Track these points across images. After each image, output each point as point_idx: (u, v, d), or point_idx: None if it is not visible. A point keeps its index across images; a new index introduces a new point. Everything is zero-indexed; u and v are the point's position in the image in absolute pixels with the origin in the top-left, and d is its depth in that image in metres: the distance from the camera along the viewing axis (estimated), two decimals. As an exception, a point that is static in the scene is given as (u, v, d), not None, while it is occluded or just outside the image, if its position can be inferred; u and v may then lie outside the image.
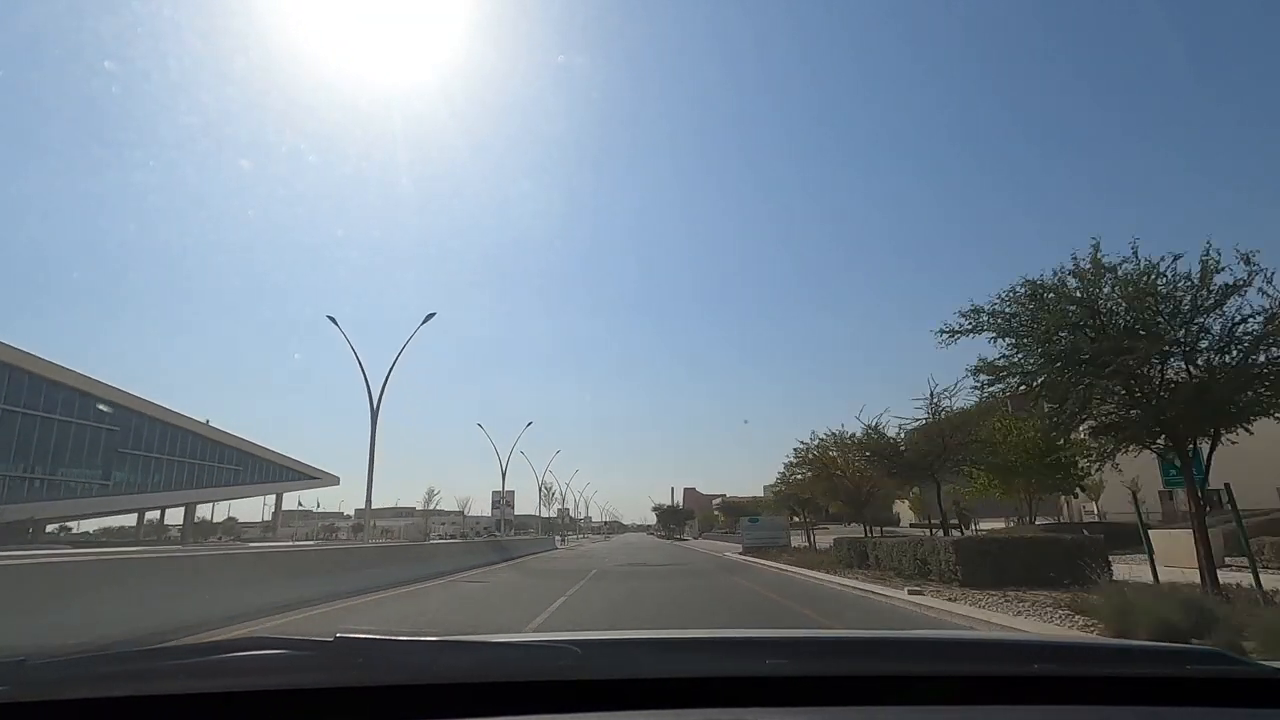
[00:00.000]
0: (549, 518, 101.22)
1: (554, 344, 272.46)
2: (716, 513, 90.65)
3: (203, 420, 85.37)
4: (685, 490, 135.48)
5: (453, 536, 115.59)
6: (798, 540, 31.20)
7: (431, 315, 28.79)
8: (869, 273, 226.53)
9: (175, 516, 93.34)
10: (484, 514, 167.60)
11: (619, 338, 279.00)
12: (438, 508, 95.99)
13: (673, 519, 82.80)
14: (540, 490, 58.56)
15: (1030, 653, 1.40)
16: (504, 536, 49.24)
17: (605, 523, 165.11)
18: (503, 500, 52.51)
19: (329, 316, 28.32)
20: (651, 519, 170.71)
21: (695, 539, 75.64)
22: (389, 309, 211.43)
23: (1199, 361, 7.61)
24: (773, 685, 1.15)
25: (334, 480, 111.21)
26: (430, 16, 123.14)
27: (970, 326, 8.77)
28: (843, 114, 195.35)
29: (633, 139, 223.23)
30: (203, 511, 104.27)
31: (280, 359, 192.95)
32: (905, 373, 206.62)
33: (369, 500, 27.13)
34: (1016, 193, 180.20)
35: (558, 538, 70.98)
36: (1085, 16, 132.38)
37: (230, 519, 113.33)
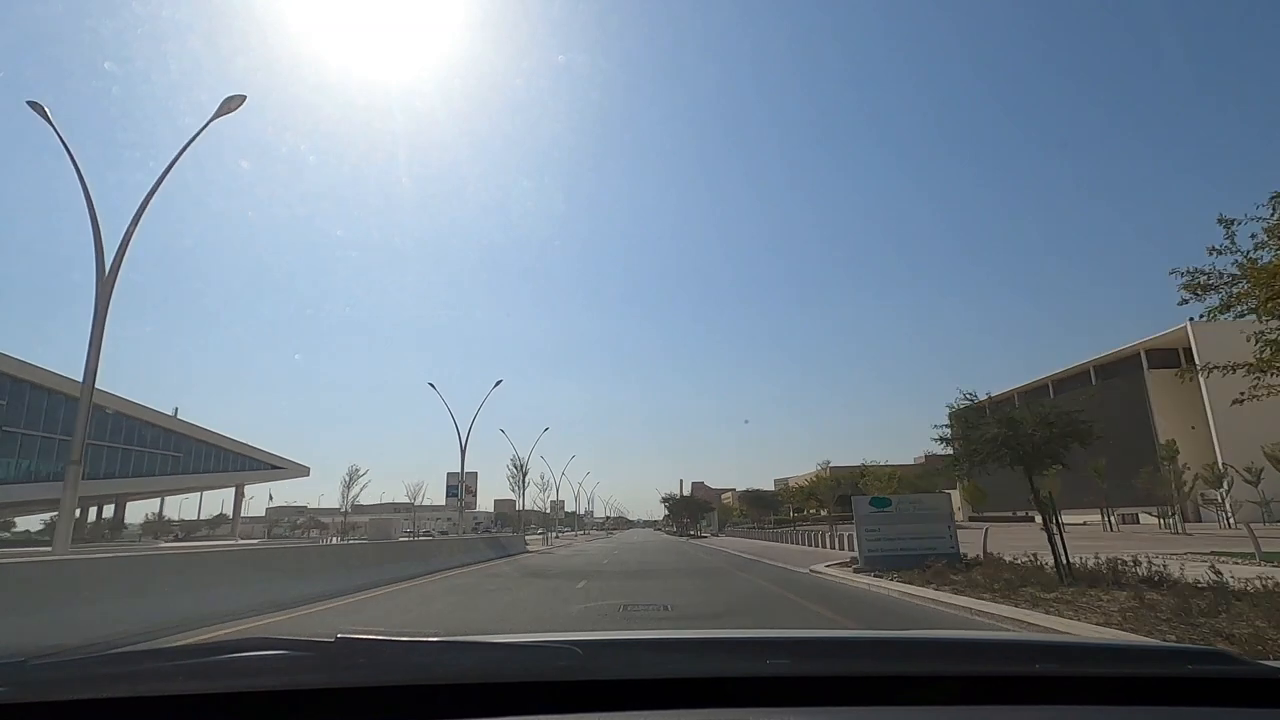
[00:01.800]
0: (542, 512, 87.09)
1: (556, 343, 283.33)
2: (734, 504, 76.56)
3: (170, 412, 73.49)
4: (694, 484, 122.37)
5: (444, 534, 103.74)
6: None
7: (225, 113, 14.55)
8: (869, 271, 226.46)
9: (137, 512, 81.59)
10: (480, 509, 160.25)
11: (627, 336, 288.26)
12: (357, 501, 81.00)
13: (686, 511, 68.01)
14: (518, 471, 44.07)
15: (1031, 653, 1.37)
16: (481, 534, 37.43)
17: (608, 518, 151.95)
18: (461, 485, 38.35)
19: (30, 103, 14.13)
20: (659, 515, 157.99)
21: (715, 535, 61.26)
22: (388, 308, 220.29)
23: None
24: (774, 685, 1.14)
25: (303, 471, 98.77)
26: (430, 16, 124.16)
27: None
28: (842, 113, 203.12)
29: (633, 138, 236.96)
30: (157, 507, 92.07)
31: (279, 358, 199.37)
32: (904, 373, 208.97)
33: (81, 446, 12.83)
34: (1008, 193, 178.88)
35: (535, 535, 57.30)
36: (1079, 17, 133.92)
37: (222, 514, 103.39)
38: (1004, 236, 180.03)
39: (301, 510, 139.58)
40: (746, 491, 68.25)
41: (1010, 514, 76.25)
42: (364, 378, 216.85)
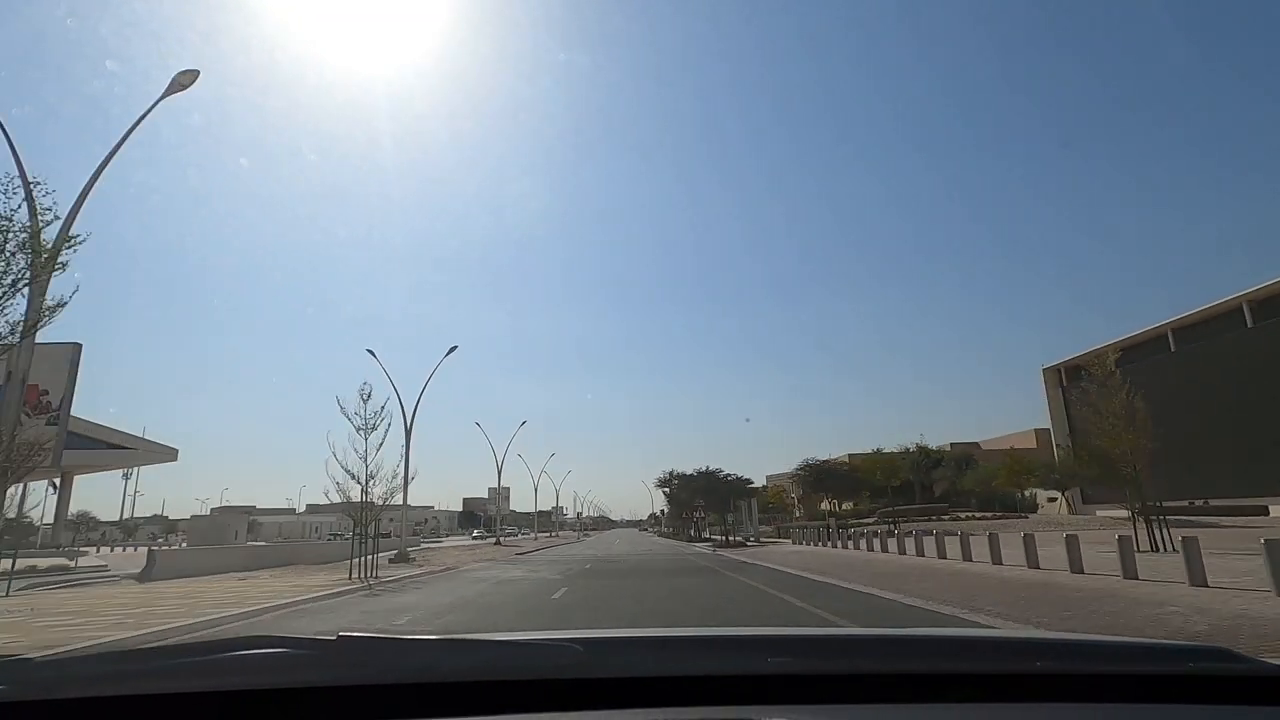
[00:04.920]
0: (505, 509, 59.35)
1: (555, 341, 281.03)
2: (790, 483, 48.89)
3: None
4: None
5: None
6: None
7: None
8: (871, 268, 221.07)
9: None
10: (441, 506, 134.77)
11: (618, 336, 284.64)
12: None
13: (708, 494, 38.74)
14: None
15: (1032, 650, 1.35)
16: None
17: (580, 515, 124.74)
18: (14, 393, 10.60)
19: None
20: (643, 514, 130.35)
21: (755, 542, 33.91)
22: (388, 307, 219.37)
23: None
24: (775, 684, 1.12)
25: (168, 455, 69.36)
26: (430, 17, 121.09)
27: None
28: (844, 110, 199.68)
29: (633, 137, 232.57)
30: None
31: (280, 358, 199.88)
32: (882, 373, 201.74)
33: None
34: (968, 198, 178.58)
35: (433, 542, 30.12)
36: (1095, 11, 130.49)
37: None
38: (976, 248, 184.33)
39: (249, 510, 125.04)
40: (805, 466, 40.46)
41: (1187, 503, 49.21)
42: (360, 376, 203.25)
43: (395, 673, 1.08)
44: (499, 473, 56.87)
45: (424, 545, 57.51)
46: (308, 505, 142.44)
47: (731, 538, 35.53)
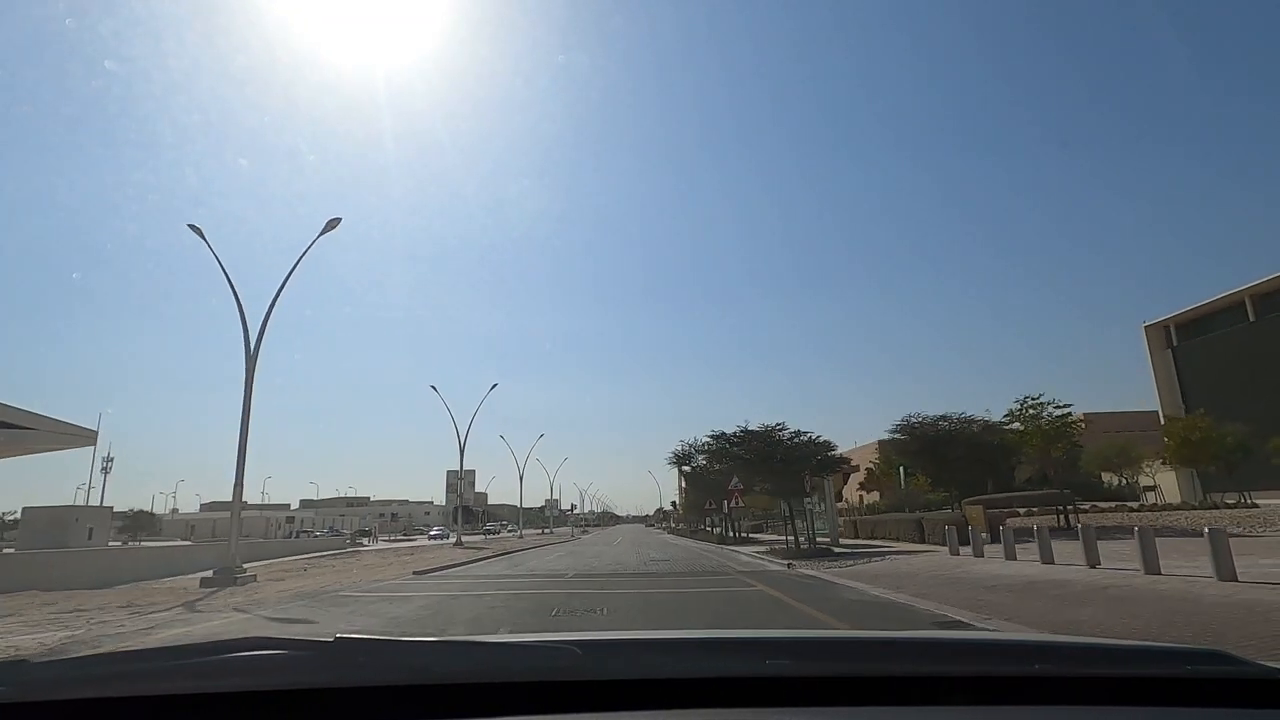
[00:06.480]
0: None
1: (554, 341, 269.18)
2: (887, 448, 34.40)
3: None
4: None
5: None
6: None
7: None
8: (873, 264, 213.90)
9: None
10: (420, 498, 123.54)
11: (622, 333, 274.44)
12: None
13: (761, 465, 23.69)
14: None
15: (1030, 653, 1.35)
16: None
17: (572, 508, 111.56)
18: None
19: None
20: (650, 509, 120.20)
21: (865, 556, 20.03)
22: (386, 307, 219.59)
23: None
24: (773, 686, 1.13)
25: (87, 438, 54.75)
26: (430, 16, 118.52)
27: None
28: (844, 108, 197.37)
29: (631, 138, 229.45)
30: None
31: (279, 358, 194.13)
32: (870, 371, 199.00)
33: None
34: (964, 205, 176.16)
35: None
36: (1087, 14, 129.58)
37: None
38: (964, 250, 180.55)
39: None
40: (906, 428, 25.21)
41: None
42: (356, 376, 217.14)
43: (393, 674, 1.07)
44: (461, 452, 43.04)
45: (352, 547, 43.73)
46: (301, 501, 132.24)
47: (802, 542, 21.29)
